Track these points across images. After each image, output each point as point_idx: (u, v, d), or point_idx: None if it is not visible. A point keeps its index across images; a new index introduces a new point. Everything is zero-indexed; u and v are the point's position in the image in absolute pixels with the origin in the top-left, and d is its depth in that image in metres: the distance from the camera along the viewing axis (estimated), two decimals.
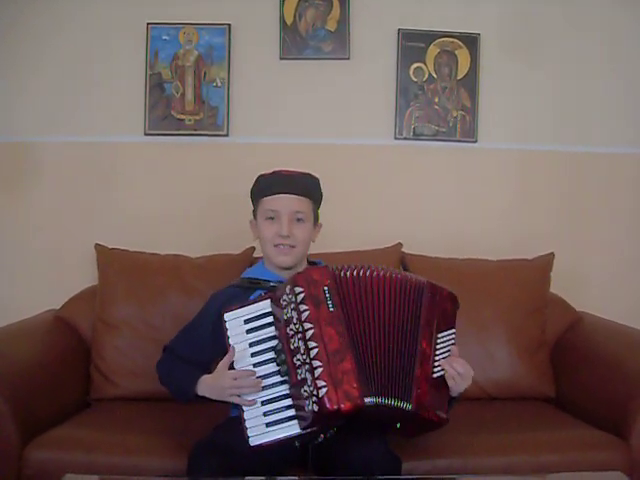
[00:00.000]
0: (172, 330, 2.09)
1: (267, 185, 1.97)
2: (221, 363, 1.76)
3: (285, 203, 1.94)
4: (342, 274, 1.73)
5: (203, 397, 1.82)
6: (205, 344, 1.91)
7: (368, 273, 1.75)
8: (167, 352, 2.01)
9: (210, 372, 1.82)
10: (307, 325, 1.64)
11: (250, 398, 1.70)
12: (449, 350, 1.76)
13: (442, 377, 1.73)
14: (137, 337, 2.40)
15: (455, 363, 1.73)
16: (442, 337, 1.76)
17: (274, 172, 1.99)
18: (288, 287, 1.70)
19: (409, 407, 1.65)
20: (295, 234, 1.93)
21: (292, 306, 1.68)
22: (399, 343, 1.71)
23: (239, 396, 1.72)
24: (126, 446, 1.95)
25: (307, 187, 1.99)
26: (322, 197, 2.04)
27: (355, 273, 1.74)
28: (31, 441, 1.94)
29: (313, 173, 2.03)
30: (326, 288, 1.69)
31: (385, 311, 1.72)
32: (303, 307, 1.66)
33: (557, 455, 1.97)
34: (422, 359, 1.70)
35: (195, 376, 1.84)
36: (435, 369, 1.72)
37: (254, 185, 2.02)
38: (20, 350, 2.18)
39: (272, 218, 1.95)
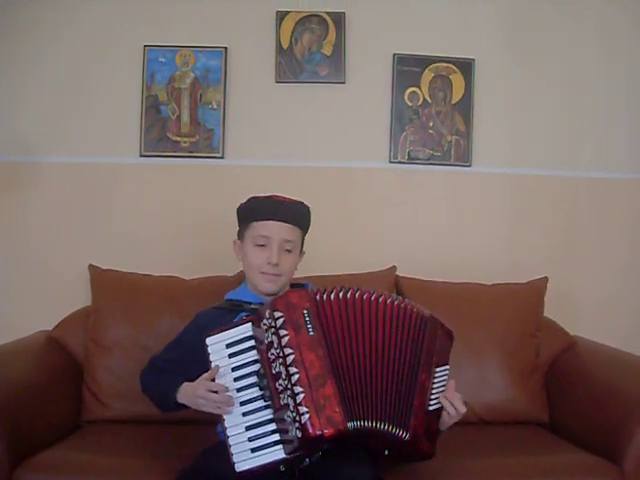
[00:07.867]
0: None
1: (260, 209, 1.95)
2: (202, 376, 1.74)
3: (277, 230, 1.93)
4: (324, 297, 1.71)
5: (182, 406, 1.82)
6: (185, 362, 1.88)
7: (357, 295, 1.74)
8: (151, 364, 2.00)
9: None
10: (287, 350, 1.62)
11: (227, 416, 1.69)
12: (444, 385, 1.77)
13: (436, 411, 1.74)
14: (129, 359, 2.38)
15: (455, 401, 1.75)
16: (439, 372, 1.77)
17: (269, 196, 1.98)
18: (268, 311, 1.68)
19: (406, 436, 1.65)
20: (282, 263, 1.93)
21: (272, 330, 1.66)
22: (395, 370, 1.70)
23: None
24: (117, 469, 1.93)
25: (299, 216, 1.98)
26: (309, 226, 2.03)
27: (340, 295, 1.73)
28: (21, 463, 1.92)
29: (305, 202, 2.03)
30: (305, 312, 1.67)
31: (375, 334, 1.71)
32: (283, 332, 1.64)
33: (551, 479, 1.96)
34: (421, 391, 1.71)
35: (178, 382, 1.82)
36: (431, 402, 1.73)
37: (245, 205, 2.00)
38: (11, 370, 2.16)
39: (262, 245, 1.94)
